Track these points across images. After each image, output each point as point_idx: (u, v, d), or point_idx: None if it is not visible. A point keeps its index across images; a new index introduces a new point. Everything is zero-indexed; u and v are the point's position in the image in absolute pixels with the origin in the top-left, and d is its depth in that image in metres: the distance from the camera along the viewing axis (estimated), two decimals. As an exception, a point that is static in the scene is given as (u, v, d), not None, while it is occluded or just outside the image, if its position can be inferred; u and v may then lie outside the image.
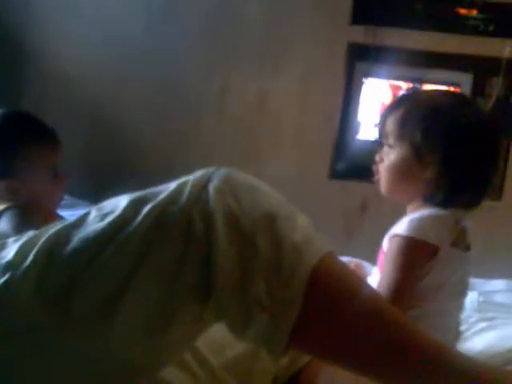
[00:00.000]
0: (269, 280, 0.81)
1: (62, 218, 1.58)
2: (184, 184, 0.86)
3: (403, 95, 1.50)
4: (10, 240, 0.93)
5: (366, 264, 1.84)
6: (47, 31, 3.06)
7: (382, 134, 1.43)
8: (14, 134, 1.47)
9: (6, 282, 0.84)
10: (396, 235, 1.33)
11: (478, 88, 2.75)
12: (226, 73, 2.91)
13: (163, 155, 3.01)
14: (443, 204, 1.34)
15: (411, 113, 1.36)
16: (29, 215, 1.41)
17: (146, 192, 0.87)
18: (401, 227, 1.33)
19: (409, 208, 1.41)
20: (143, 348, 0.87)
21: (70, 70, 3.04)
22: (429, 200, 1.35)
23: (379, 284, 1.32)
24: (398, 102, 1.43)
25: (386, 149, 1.41)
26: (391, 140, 1.39)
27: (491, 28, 2.67)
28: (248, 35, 2.88)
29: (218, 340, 1.06)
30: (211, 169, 0.89)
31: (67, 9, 3.04)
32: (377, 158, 1.43)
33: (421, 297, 1.34)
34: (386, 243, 1.38)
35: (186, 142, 2.98)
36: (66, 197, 2.25)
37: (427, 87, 2.73)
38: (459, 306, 1.42)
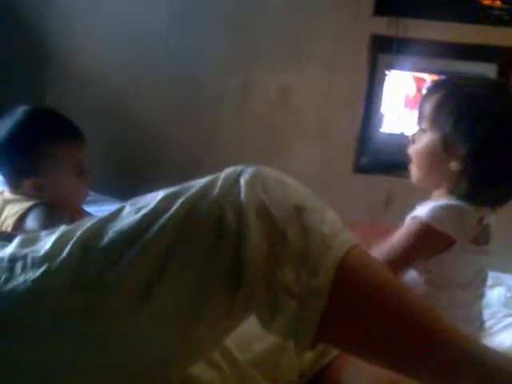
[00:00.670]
0: (297, 269, 0.82)
1: (88, 214, 1.59)
2: (215, 179, 0.88)
3: (444, 79, 1.48)
4: (43, 233, 0.94)
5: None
6: (69, 28, 3.08)
7: (419, 115, 1.42)
8: (40, 132, 1.48)
9: (43, 273, 0.86)
10: (417, 217, 1.33)
11: (503, 79, 2.72)
12: (247, 68, 2.91)
13: (185, 151, 3.02)
14: (467, 198, 1.33)
15: (446, 100, 1.35)
16: (55, 212, 1.42)
17: (180, 186, 0.89)
18: (423, 211, 1.33)
19: (434, 194, 1.40)
20: (173, 341, 0.88)
21: (92, 68, 3.05)
22: (453, 192, 1.35)
23: (380, 248, 1.32)
24: (438, 86, 1.42)
25: (419, 131, 1.40)
26: (425, 124, 1.38)
27: (516, 18, 2.64)
28: (269, 29, 2.88)
29: (244, 336, 1.06)
30: (241, 166, 0.90)
31: (89, 6, 3.06)
32: (409, 138, 1.43)
33: (438, 287, 1.34)
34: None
35: (209, 138, 2.99)
36: (91, 193, 2.27)
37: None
38: (479, 297, 1.42)
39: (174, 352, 0.90)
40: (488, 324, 1.57)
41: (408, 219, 1.37)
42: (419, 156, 1.39)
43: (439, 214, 1.31)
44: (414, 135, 1.42)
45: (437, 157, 1.35)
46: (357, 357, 0.95)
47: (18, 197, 1.47)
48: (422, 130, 1.39)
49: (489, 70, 2.68)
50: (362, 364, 1.11)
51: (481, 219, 1.34)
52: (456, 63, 2.74)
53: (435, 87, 1.42)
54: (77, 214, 1.49)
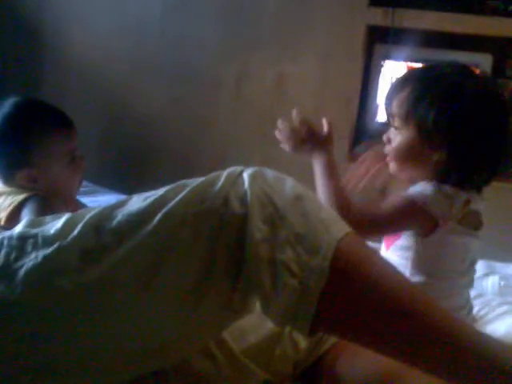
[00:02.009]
0: (297, 249, 0.86)
1: (83, 205, 1.59)
2: (219, 174, 0.93)
3: (407, 74, 1.48)
4: (48, 218, 0.98)
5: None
6: (64, 19, 3.07)
7: (388, 114, 1.43)
8: (29, 122, 1.48)
9: (54, 249, 0.90)
10: (404, 194, 1.35)
11: (499, 69, 2.72)
12: (243, 58, 2.91)
13: (181, 141, 3.02)
14: (452, 184, 1.34)
15: (416, 94, 1.35)
16: (50, 204, 1.42)
17: (184, 180, 0.94)
18: (412, 189, 1.35)
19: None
20: (172, 326, 0.91)
21: (87, 58, 3.05)
22: (440, 181, 1.36)
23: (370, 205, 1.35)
24: (403, 82, 1.42)
25: (392, 130, 1.41)
26: (397, 122, 1.39)
27: (511, 8, 2.63)
28: (265, 19, 2.87)
29: (239, 327, 1.07)
30: (241, 166, 0.96)
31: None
32: (384, 138, 1.43)
33: (431, 271, 1.36)
34: None
35: (204, 127, 2.99)
36: (86, 183, 2.27)
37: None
38: (469, 285, 1.43)
39: (171, 338, 0.93)
40: (482, 313, 1.58)
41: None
42: (399, 154, 1.40)
43: (426, 193, 1.33)
44: (388, 135, 1.43)
45: (417, 151, 1.36)
46: (353, 341, 0.96)
47: (10, 189, 1.46)
48: (395, 129, 1.40)
49: (484, 61, 2.68)
50: (357, 354, 1.12)
51: (467, 202, 1.35)
52: (451, 53, 2.74)
53: (399, 85, 1.42)
54: (72, 205, 1.49)
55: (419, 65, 2.74)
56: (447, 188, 1.34)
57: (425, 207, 1.32)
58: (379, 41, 2.80)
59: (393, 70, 2.81)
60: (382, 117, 2.81)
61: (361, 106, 2.85)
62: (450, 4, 2.66)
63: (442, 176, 1.35)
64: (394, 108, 1.39)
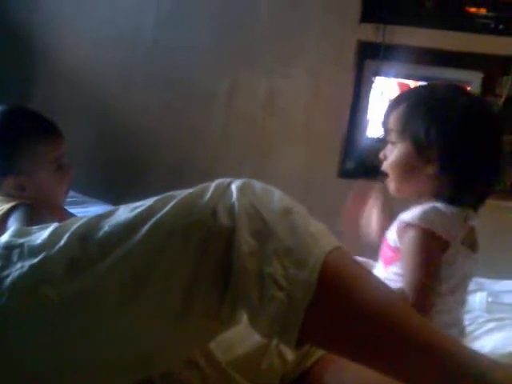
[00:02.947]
0: (285, 263, 0.86)
1: (71, 215, 1.59)
2: (208, 185, 0.93)
3: (404, 92, 1.50)
4: (35, 228, 0.98)
5: (373, 263, 1.83)
6: (56, 28, 3.07)
7: (385, 131, 1.44)
8: (16, 130, 1.48)
9: (40, 259, 0.90)
10: (410, 225, 1.32)
11: (489, 87, 2.74)
12: (235, 71, 2.92)
13: (172, 152, 3.02)
14: (450, 201, 1.34)
15: (411, 109, 1.37)
16: (37, 212, 1.41)
17: (172, 192, 0.93)
18: (413, 216, 1.32)
19: (418, 202, 1.41)
20: (159, 337, 0.91)
21: (79, 68, 3.05)
22: (435, 196, 1.35)
23: (405, 284, 1.30)
24: (399, 99, 1.43)
25: (389, 146, 1.42)
26: (394, 137, 1.40)
27: (501, 27, 2.65)
28: (258, 33, 2.88)
29: (226, 338, 1.07)
30: (229, 178, 0.96)
31: (76, 5, 3.05)
32: (381, 155, 1.44)
33: None
34: (393, 233, 1.38)
35: (196, 139, 2.99)
36: (75, 194, 2.25)
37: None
38: (463, 302, 1.42)
39: (158, 349, 0.92)
40: (469, 329, 1.58)
41: (400, 230, 1.36)
42: (395, 168, 1.40)
43: (430, 217, 1.31)
44: (384, 152, 1.43)
45: (412, 165, 1.36)
46: (339, 354, 0.96)
47: None
48: (392, 144, 1.40)
49: (474, 78, 2.70)
50: (345, 367, 1.12)
51: (466, 219, 1.35)
52: (442, 70, 2.76)
53: (395, 102, 1.43)
54: (59, 214, 1.49)
55: (409, 81, 2.78)
56: (447, 207, 1.33)
57: (437, 231, 1.29)
58: (370, 57, 2.81)
59: (383, 87, 2.83)
60: (372, 132, 2.82)
61: (351, 122, 2.86)
62: (441, 21, 2.68)
63: (436, 191, 1.34)
64: (391, 123, 1.40)
